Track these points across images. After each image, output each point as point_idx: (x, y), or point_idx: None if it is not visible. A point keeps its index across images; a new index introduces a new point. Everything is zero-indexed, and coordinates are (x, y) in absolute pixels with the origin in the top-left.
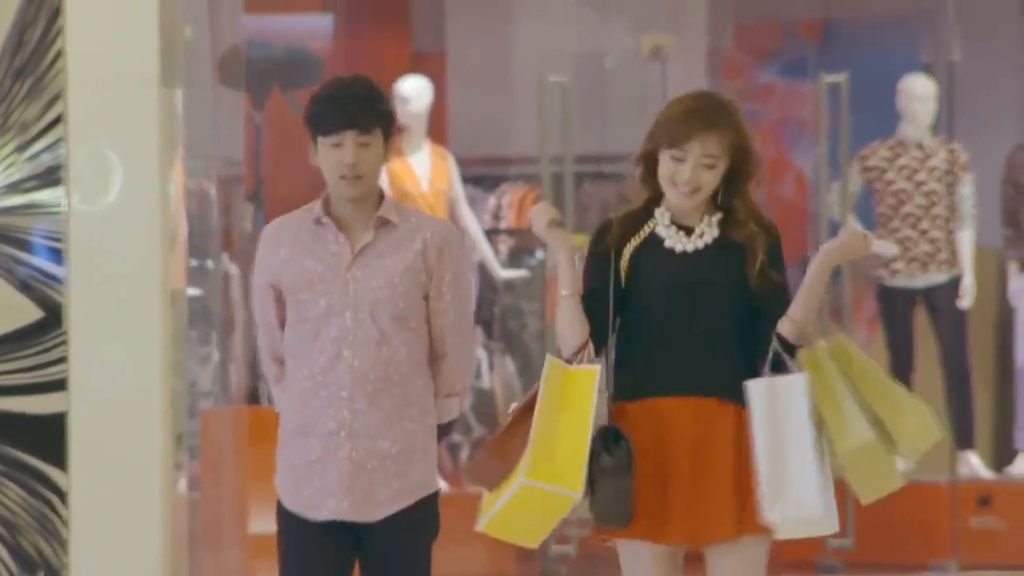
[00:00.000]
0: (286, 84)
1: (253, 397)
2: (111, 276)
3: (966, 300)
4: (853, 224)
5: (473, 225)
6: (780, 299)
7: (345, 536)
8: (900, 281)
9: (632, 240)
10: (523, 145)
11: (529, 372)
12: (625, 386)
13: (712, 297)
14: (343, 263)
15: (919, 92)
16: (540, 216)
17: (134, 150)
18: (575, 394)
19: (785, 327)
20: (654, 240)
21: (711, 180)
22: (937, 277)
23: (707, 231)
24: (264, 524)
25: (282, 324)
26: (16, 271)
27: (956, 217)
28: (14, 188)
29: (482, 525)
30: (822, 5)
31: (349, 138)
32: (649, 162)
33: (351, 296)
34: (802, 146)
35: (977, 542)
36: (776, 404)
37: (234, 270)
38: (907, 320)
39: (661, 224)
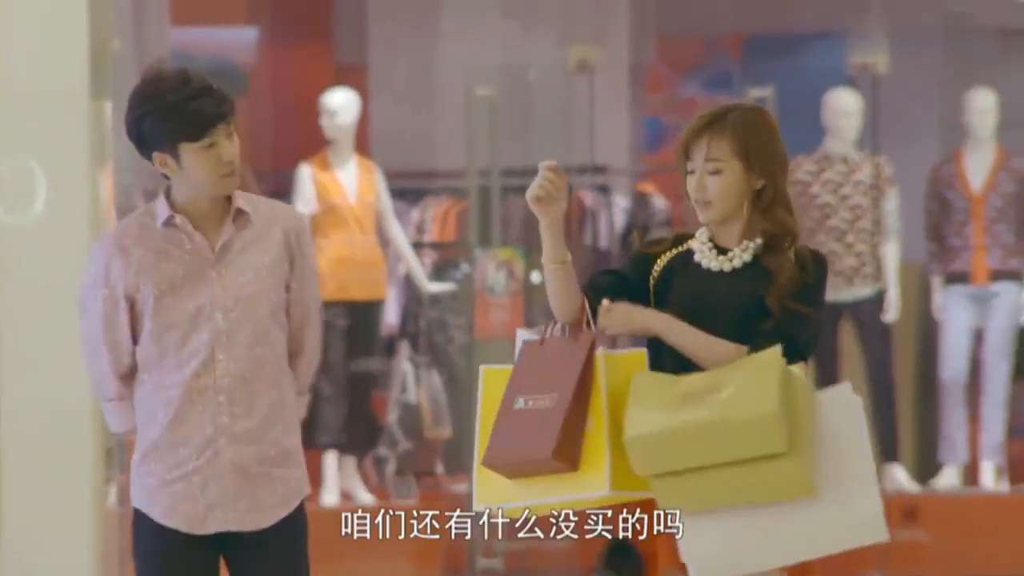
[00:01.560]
0: None
1: None
2: (39, 288)
3: (891, 314)
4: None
5: (401, 238)
6: (774, 328)
7: (209, 546)
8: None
9: (673, 251)
10: (447, 158)
11: (455, 385)
12: None
13: (726, 320)
14: (205, 262)
15: (844, 106)
16: (528, 192)
17: (63, 162)
18: (626, 382)
19: None
20: (688, 256)
21: (717, 188)
22: (862, 291)
23: (740, 255)
24: None
25: (135, 338)
26: None
27: (881, 231)
28: None
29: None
30: (744, 20)
31: (220, 134)
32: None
33: (220, 295)
34: None
35: (903, 555)
36: None
37: None
38: (832, 335)
39: (699, 241)
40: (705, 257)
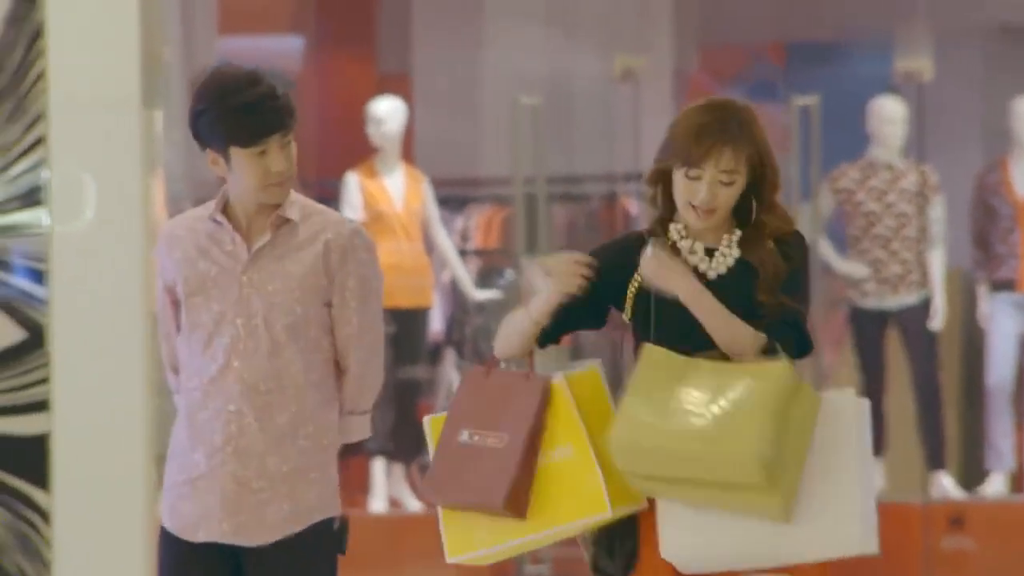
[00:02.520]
0: None
1: None
2: (93, 297)
3: (936, 321)
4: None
5: (448, 245)
6: (780, 320)
7: (225, 562)
8: (871, 302)
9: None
10: (490, 166)
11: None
12: None
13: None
14: (238, 265)
15: (889, 114)
16: (561, 284)
17: (115, 171)
18: (590, 402)
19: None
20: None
21: (729, 198)
22: (908, 298)
23: (728, 253)
24: None
25: (179, 331)
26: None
27: (926, 238)
28: None
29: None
30: (786, 28)
31: (274, 143)
32: (663, 180)
33: (244, 301)
34: None
35: (949, 563)
36: None
37: None
38: (878, 341)
39: (678, 240)
40: (697, 260)
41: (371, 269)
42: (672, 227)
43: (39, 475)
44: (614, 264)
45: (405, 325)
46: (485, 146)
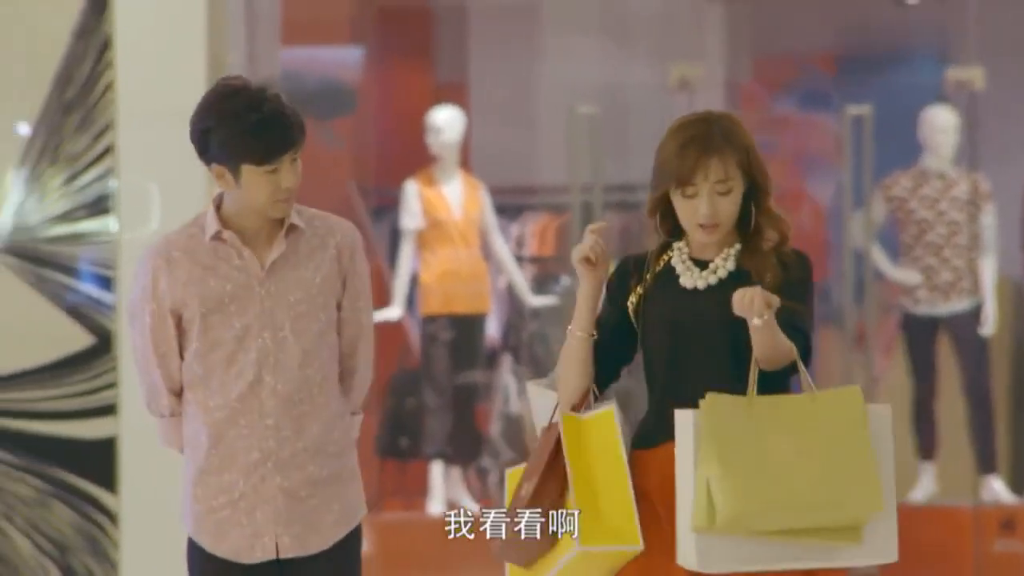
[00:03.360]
0: (321, 115)
1: None
2: None
3: (987, 327)
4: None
5: (505, 252)
6: (792, 326)
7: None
8: (923, 309)
9: (647, 275)
10: (545, 174)
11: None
12: (641, 432)
13: (717, 338)
14: (253, 279)
15: (941, 123)
16: (575, 252)
17: (181, 179)
18: (599, 442)
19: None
20: (669, 274)
21: (730, 207)
22: (959, 305)
23: (721, 265)
24: None
25: (180, 353)
26: (66, 298)
27: (977, 246)
28: (64, 218)
29: None
30: (838, 38)
31: (286, 160)
32: (662, 208)
33: (268, 314)
34: (818, 176)
35: (1000, 567)
36: (684, 438)
37: None
38: (930, 347)
39: (677, 258)
40: (685, 275)
41: (366, 267)
42: (675, 246)
43: (107, 478)
44: (621, 290)
45: (463, 331)
46: (540, 155)
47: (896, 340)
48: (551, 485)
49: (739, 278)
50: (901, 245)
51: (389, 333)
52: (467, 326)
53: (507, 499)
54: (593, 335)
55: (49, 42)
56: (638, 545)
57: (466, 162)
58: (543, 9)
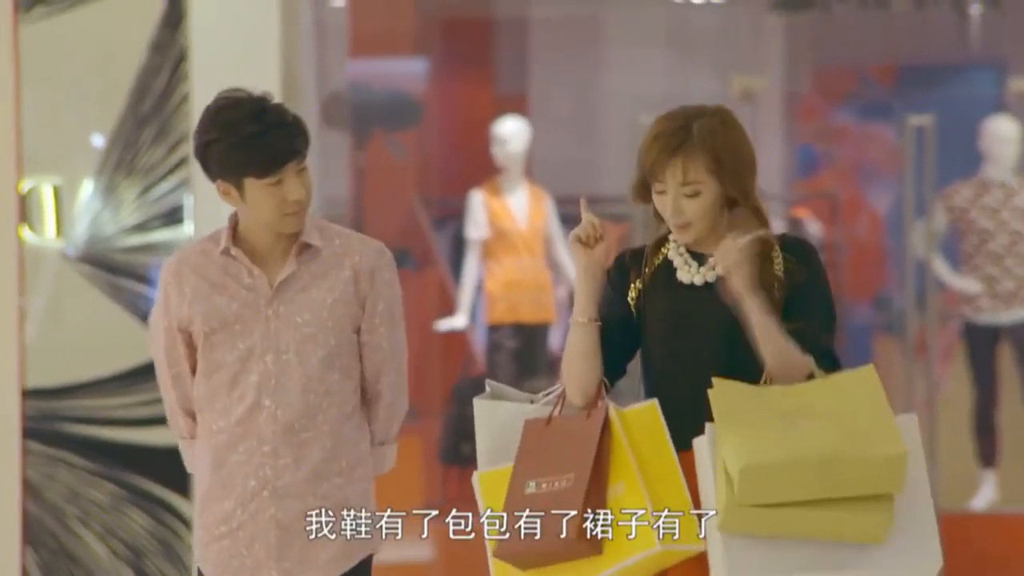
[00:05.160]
0: (387, 126)
1: None
2: None
3: None
4: (725, 242)
5: (568, 262)
6: (811, 350)
7: None
8: (984, 318)
9: (645, 269)
10: (606, 184)
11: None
12: None
13: (715, 335)
14: (260, 299)
15: (1002, 134)
16: (573, 232)
17: None
18: (646, 437)
19: (766, 376)
20: (666, 268)
21: (699, 210)
22: (1020, 313)
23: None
24: (391, 553)
25: (193, 371)
26: (141, 307)
27: None
28: (139, 228)
29: None
30: (897, 49)
31: (290, 171)
32: (650, 194)
33: (272, 336)
34: (876, 186)
35: None
36: (702, 460)
37: None
38: (991, 356)
39: (674, 251)
40: (683, 270)
41: (395, 290)
42: (671, 238)
43: (181, 484)
44: (622, 284)
45: (528, 340)
46: (601, 165)
47: (956, 349)
48: (599, 490)
49: None
50: (962, 254)
51: (453, 342)
52: (531, 335)
53: (483, 503)
54: (595, 320)
55: (125, 55)
56: (702, 547)
57: (527, 172)
58: (605, 22)
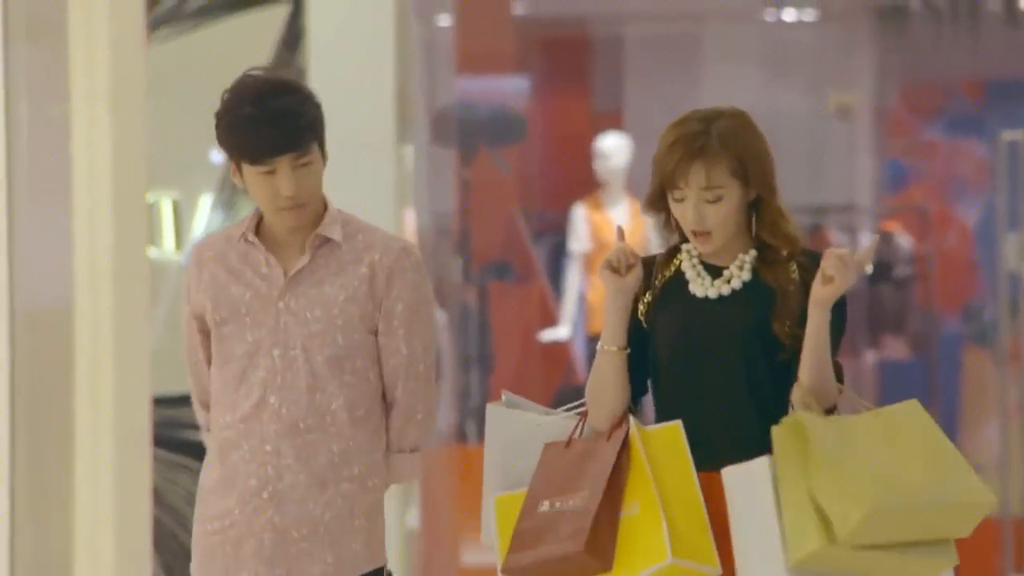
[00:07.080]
0: (493, 142)
1: (461, 435)
2: None
3: None
4: (830, 250)
5: None
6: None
7: None
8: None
9: (655, 281)
10: None
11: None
12: None
13: (730, 352)
14: (274, 290)
15: None
16: (605, 258)
17: (372, 206)
18: (667, 458)
19: (795, 395)
20: (677, 281)
21: (721, 217)
22: None
23: (736, 274)
24: (474, 557)
25: (209, 362)
26: None
27: None
28: None
29: None
30: (986, 65)
31: (284, 164)
32: (664, 204)
33: (281, 330)
34: (965, 199)
35: None
36: (746, 493)
37: (442, 317)
38: None
39: (687, 262)
40: (696, 282)
41: (420, 292)
42: (684, 248)
43: None
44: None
45: None
46: None
47: None
48: (612, 506)
49: (756, 289)
50: None
51: (556, 351)
52: None
53: (499, 527)
54: (624, 349)
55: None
56: (717, 569)
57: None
58: (699, 40)
